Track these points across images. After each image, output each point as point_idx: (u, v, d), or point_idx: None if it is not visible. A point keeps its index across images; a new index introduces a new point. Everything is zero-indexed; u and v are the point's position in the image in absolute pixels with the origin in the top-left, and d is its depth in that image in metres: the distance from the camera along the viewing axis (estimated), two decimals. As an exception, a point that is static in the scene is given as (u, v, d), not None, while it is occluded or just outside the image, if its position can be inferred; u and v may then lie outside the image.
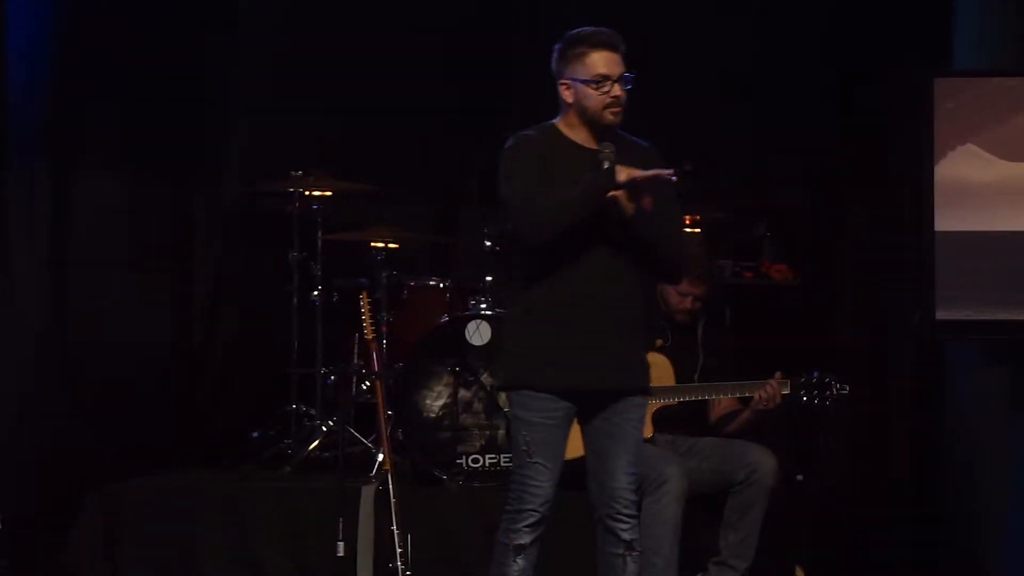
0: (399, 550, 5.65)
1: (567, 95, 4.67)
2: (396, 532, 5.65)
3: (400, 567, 5.64)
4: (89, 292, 7.19)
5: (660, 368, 5.90)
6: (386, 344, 6.71)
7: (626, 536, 4.66)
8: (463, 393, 6.42)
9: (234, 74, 7.67)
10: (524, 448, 4.63)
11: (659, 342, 5.95)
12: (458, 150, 7.56)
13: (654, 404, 5.86)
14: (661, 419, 5.89)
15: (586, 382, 4.62)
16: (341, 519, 5.88)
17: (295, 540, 6.12)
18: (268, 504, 6.21)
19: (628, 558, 4.66)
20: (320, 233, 6.95)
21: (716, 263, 7.01)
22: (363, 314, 6.00)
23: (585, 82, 4.63)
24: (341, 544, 5.87)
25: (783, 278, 7.19)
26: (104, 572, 6.16)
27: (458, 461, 6.38)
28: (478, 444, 6.40)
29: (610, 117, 4.65)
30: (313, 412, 6.88)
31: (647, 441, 5.82)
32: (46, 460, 6.80)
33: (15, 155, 6.91)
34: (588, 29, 4.67)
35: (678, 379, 5.92)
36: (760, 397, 5.80)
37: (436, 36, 7.57)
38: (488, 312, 6.48)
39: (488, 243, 6.76)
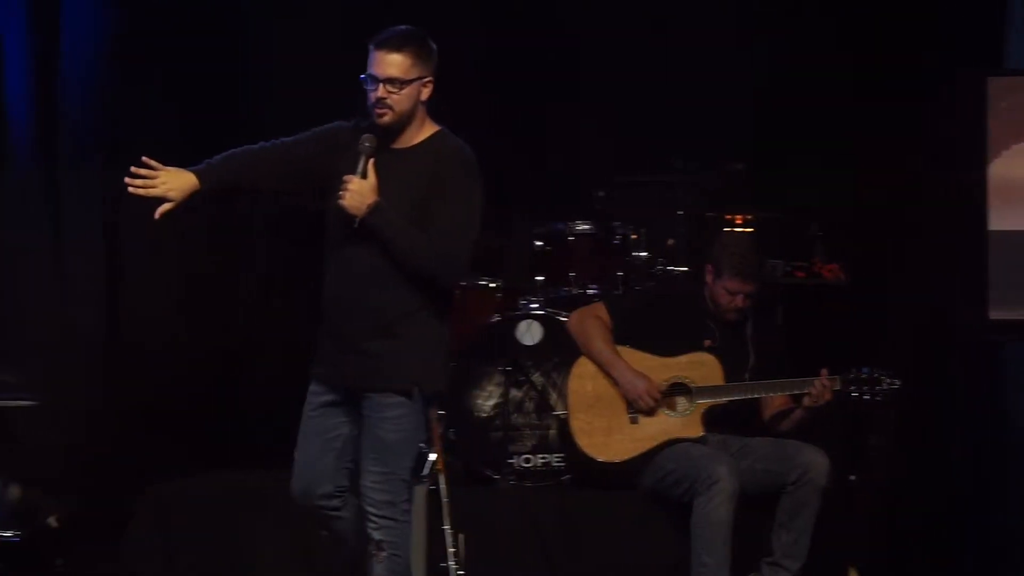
0: (451, 550, 5.65)
1: None
2: (448, 532, 5.66)
3: (452, 567, 5.64)
4: (139, 294, 7.24)
5: (709, 367, 5.88)
6: (437, 344, 6.70)
7: (375, 535, 4.60)
8: (514, 393, 6.42)
9: (277, 75, 7.68)
10: None
11: (707, 342, 5.93)
12: (507, 150, 7.54)
13: (703, 404, 5.85)
14: (711, 419, 5.87)
15: (332, 378, 4.69)
16: (393, 519, 5.89)
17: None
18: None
19: (375, 558, 4.60)
20: (368, 234, 6.94)
21: (767, 262, 6.97)
22: (414, 315, 6.00)
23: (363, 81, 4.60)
24: (393, 543, 5.88)
25: (835, 278, 7.15)
26: (157, 572, 6.18)
27: (510, 461, 6.37)
28: (529, 444, 6.39)
29: (376, 119, 4.59)
30: (363, 412, 6.88)
31: (698, 441, 5.82)
32: (98, 461, 6.85)
33: (70, 158, 6.98)
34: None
35: (728, 378, 5.88)
36: (811, 394, 5.77)
37: (472, 34, 7.55)
38: (539, 312, 6.47)
39: (538, 243, 6.77)
